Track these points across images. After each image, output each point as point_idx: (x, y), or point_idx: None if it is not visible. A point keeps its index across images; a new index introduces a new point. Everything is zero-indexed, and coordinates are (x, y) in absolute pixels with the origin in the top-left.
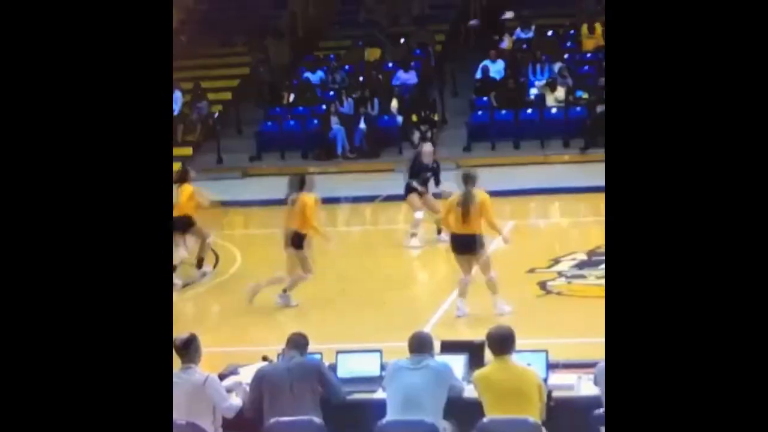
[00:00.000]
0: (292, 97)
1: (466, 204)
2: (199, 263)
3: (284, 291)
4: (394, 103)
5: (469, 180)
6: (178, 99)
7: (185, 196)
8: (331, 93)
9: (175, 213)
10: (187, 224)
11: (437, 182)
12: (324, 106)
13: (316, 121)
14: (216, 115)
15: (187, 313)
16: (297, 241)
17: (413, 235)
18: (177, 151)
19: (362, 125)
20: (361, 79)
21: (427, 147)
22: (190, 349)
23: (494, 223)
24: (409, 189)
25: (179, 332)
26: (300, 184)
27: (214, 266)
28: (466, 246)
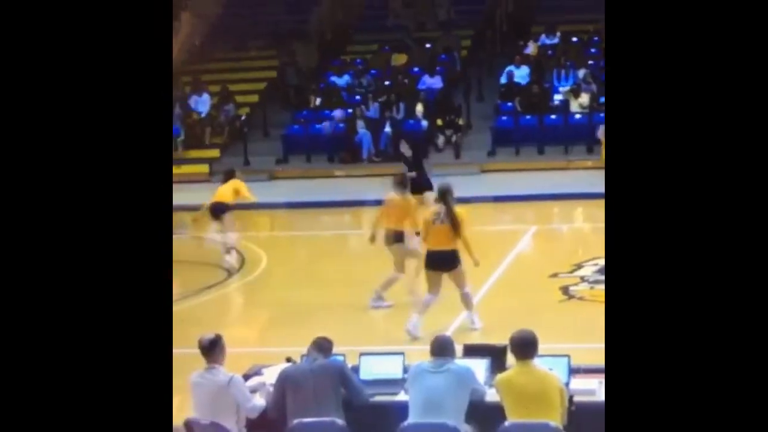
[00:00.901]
0: (318, 100)
1: (444, 219)
2: (227, 250)
3: (378, 293)
4: (420, 108)
5: (446, 194)
6: (206, 101)
7: (230, 186)
8: (358, 97)
9: (215, 199)
10: (221, 210)
11: None
12: (350, 110)
13: (342, 125)
14: (243, 117)
15: (213, 313)
16: (398, 237)
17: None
18: (204, 153)
19: (388, 129)
20: (387, 83)
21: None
22: (215, 349)
23: (468, 241)
24: None
25: (204, 332)
26: (404, 184)
27: (239, 267)
28: (444, 262)
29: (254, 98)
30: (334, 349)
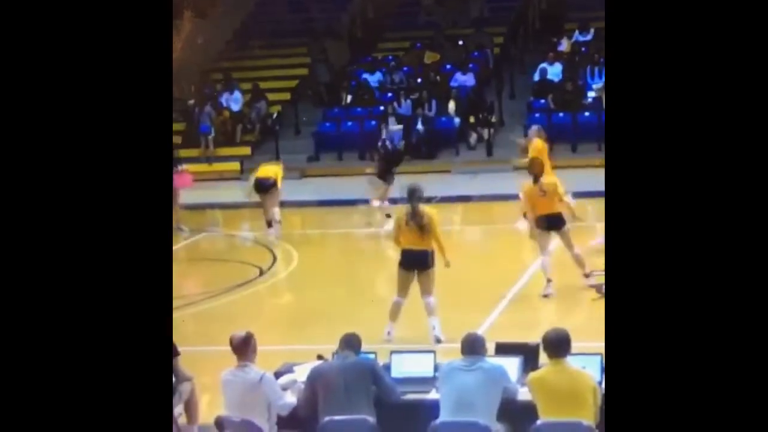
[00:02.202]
0: (350, 98)
1: (415, 218)
2: (269, 224)
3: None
4: (452, 105)
5: (414, 194)
6: (237, 99)
7: (274, 166)
8: (389, 94)
9: (260, 174)
10: (271, 186)
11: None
12: (382, 108)
13: (374, 122)
14: (275, 115)
15: (244, 311)
16: (557, 221)
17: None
18: (235, 151)
19: (419, 126)
20: (419, 80)
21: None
22: (246, 347)
23: (440, 241)
24: None
25: (236, 330)
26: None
27: (271, 266)
28: (418, 262)
29: (286, 96)
30: (365, 347)
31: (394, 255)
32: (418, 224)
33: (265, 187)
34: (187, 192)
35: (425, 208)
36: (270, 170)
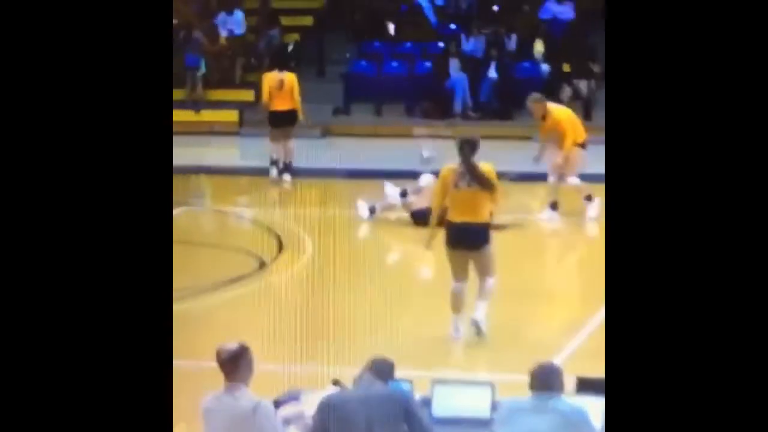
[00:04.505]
0: (396, 27)
1: (468, 179)
2: (288, 168)
3: None
4: (539, 46)
5: (468, 146)
6: (239, 21)
7: (290, 84)
8: (453, 25)
9: (283, 105)
10: (293, 119)
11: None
12: (441, 44)
13: (428, 64)
14: (291, 47)
15: (236, 315)
16: None
17: None
18: (234, 95)
19: (493, 74)
20: (495, 8)
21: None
22: (238, 364)
23: (494, 213)
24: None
25: (225, 341)
26: None
27: (276, 256)
28: (469, 240)
29: (307, 21)
30: (399, 372)
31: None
32: (472, 188)
33: (285, 119)
34: None
35: (483, 166)
36: (287, 96)
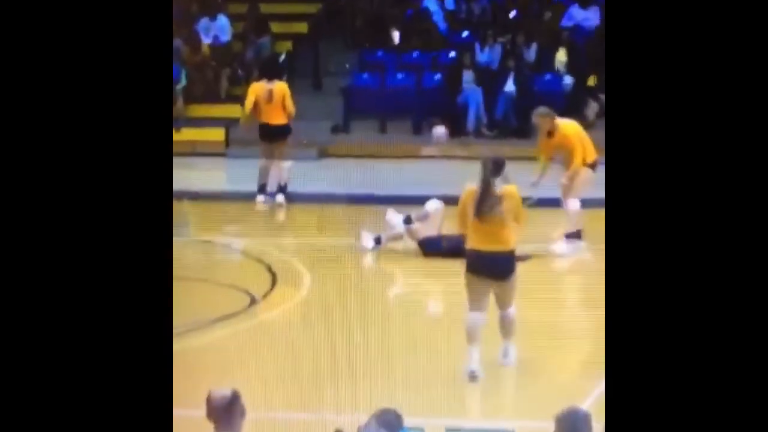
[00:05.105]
0: (399, 35)
1: (491, 203)
2: (283, 189)
3: None
4: (562, 55)
5: (493, 167)
6: (224, 28)
7: (279, 94)
8: (465, 33)
9: (274, 118)
10: (285, 132)
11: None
12: (452, 53)
13: (438, 76)
14: (283, 57)
15: (226, 358)
16: None
17: None
18: (219, 111)
19: (510, 87)
20: (512, 13)
21: None
22: (231, 413)
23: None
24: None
25: (215, 385)
26: None
27: (267, 292)
28: (497, 269)
29: (301, 27)
30: (406, 422)
31: (446, 280)
32: (496, 213)
33: (276, 134)
34: None
35: (508, 189)
36: (278, 108)
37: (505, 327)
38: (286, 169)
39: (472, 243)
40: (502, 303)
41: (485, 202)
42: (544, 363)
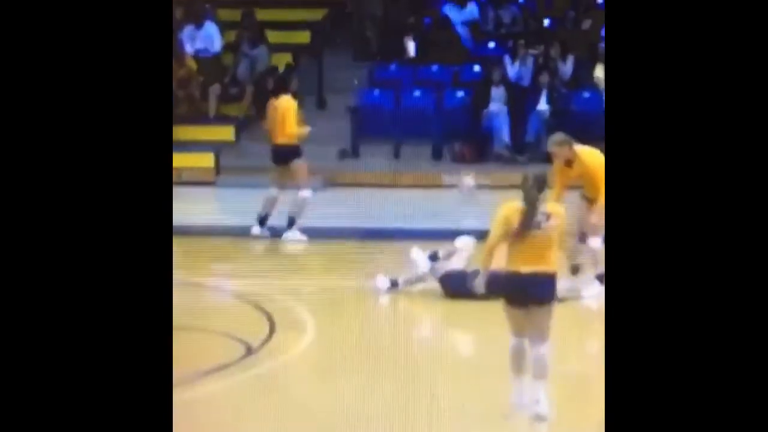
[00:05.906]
0: (414, 47)
1: (533, 221)
2: (291, 223)
3: None
4: (600, 71)
5: (534, 183)
6: (212, 37)
7: (287, 111)
8: (491, 44)
9: (277, 138)
10: (293, 155)
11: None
12: (477, 68)
13: (461, 94)
14: (281, 71)
15: (218, 414)
16: None
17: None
18: (209, 133)
19: (543, 106)
20: (546, 22)
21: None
22: None
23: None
24: None
25: None
26: None
27: (266, 340)
28: (538, 292)
29: (303, 37)
30: None
31: (486, 323)
32: (544, 231)
33: (280, 156)
34: None
35: (554, 207)
36: (281, 126)
37: (538, 368)
38: (301, 201)
39: (513, 265)
40: (536, 336)
41: (533, 219)
42: (583, 415)
